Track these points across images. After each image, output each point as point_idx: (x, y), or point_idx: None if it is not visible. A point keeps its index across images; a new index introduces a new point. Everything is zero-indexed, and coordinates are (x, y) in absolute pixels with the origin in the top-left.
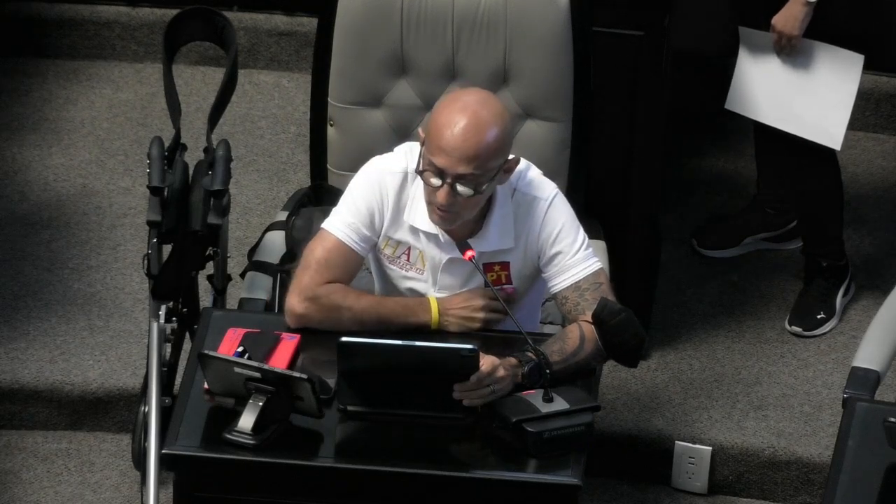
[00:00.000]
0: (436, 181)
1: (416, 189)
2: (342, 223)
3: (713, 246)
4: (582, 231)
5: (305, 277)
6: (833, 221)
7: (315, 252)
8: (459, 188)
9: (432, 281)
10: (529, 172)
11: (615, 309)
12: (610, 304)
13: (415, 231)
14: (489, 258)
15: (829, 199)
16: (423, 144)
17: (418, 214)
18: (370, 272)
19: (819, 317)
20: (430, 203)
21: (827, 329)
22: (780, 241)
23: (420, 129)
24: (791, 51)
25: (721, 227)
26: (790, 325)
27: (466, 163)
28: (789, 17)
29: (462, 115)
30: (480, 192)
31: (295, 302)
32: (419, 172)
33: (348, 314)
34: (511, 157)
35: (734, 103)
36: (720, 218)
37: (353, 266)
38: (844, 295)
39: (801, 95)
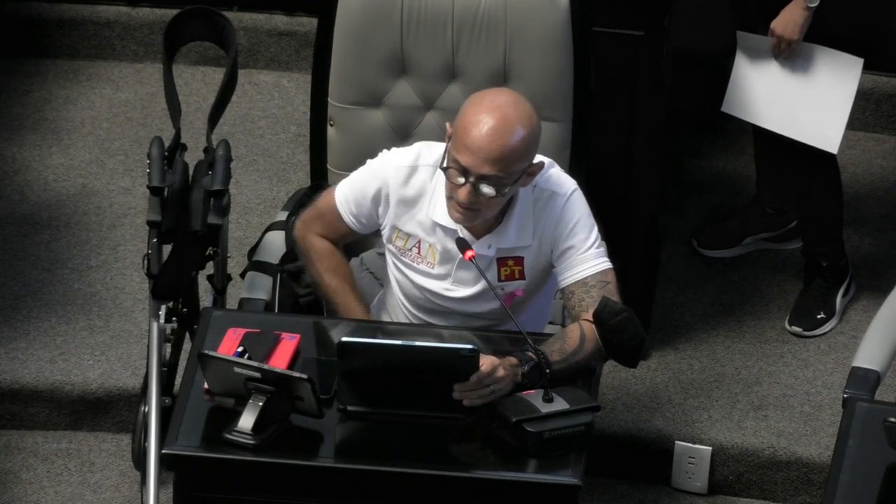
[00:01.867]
0: (459, 179)
1: (437, 182)
2: (342, 192)
3: (713, 246)
4: (596, 230)
5: (309, 213)
6: (833, 222)
7: (321, 200)
8: (482, 188)
9: (449, 274)
10: (551, 169)
11: (616, 308)
12: (610, 304)
13: (431, 225)
14: (505, 253)
15: (829, 199)
16: (448, 140)
17: (438, 208)
18: (372, 274)
19: (819, 317)
20: (451, 199)
21: (827, 329)
22: (780, 241)
23: (448, 125)
24: (790, 55)
25: (721, 227)
26: (790, 325)
27: (491, 164)
28: (789, 22)
29: (491, 116)
30: (503, 194)
31: (299, 224)
32: (443, 169)
33: (314, 276)
34: (536, 161)
35: (731, 106)
36: (720, 218)
37: (340, 229)
38: (844, 295)
39: (798, 99)
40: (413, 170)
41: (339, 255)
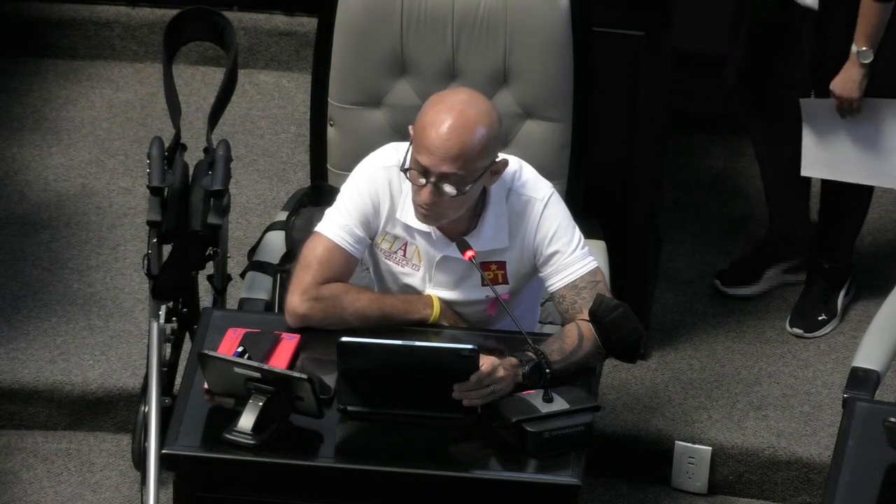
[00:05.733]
0: (420, 180)
1: (408, 185)
2: (336, 225)
3: (736, 283)
4: (577, 230)
5: (307, 277)
6: (849, 233)
7: (316, 252)
8: (443, 187)
9: (428, 277)
10: (524, 173)
11: (611, 305)
12: (606, 301)
13: (409, 228)
14: (485, 257)
15: (853, 211)
16: (411, 143)
17: (411, 211)
18: (370, 272)
19: (820, 318)
20: (415, 201)
21: (828, 330)
22: (800, 270)
23: (410, 128)
24: (854, 112)
25: (741, 264)
26: (791, 326)
27: (450, 162)
28: (847, 81)
29: (448, 115)
30: (464, 192)
31: (297, 302)
32: (404, 170)
33: (350, 310)
34: (499, 158)
35: (811, 169)
36: (741, 257)
37: (350, 267)
38: (846, 295)
39: (878, 150)
40: (398, 170)
41: (351, 285)
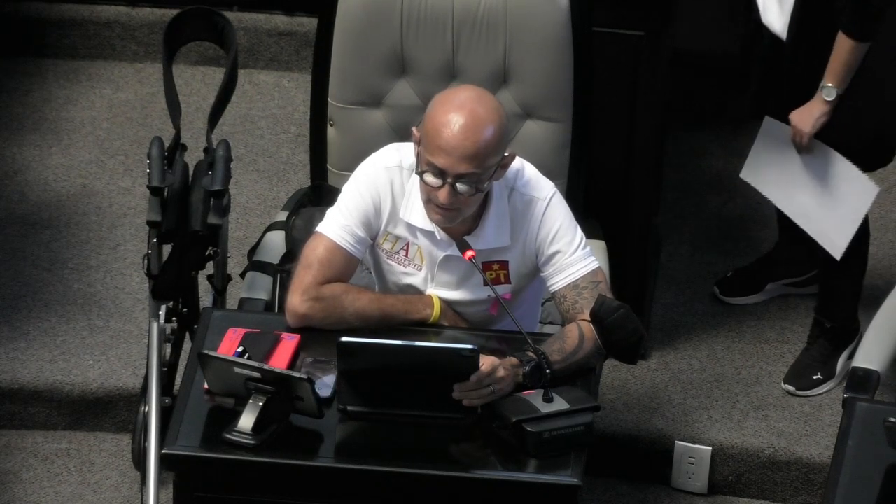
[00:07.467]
0: (436, 181)
1: (412, 185)
2: (337, 225)
3: (736, 293)
4: (579, 230)
5: (308, 277)
6: (850, 292)
7: (316, 251)
8: (460, 187)
9: (430, 277)
10: (527, 172)
11: (613, 306)
12: (607, 301)
13: (412, 228)
14: (487, 256)
15: (852, 270)
16: (418, 144)
17: (414, 211)
18: (370, 272)
19: (815, 377)
20: (430, 202)
21: (823, 391)
22: (802, 286)
23: (414, 129)
24: (805, 150)
25: (743, 274)
26: (785, 382)
27: (467, 161)
28: (805, 114)
29: (459, 114)
30: (481, 189)
31: (297, 302)
32: (419, 174)
33: (351, 310)
34: (507, 153)
35: (749, 175)
36: (743, 267)
37: (350, 267)
38: (849, 358)
39: (813, 196)
40: (399, 171)
41: (352, 285)
